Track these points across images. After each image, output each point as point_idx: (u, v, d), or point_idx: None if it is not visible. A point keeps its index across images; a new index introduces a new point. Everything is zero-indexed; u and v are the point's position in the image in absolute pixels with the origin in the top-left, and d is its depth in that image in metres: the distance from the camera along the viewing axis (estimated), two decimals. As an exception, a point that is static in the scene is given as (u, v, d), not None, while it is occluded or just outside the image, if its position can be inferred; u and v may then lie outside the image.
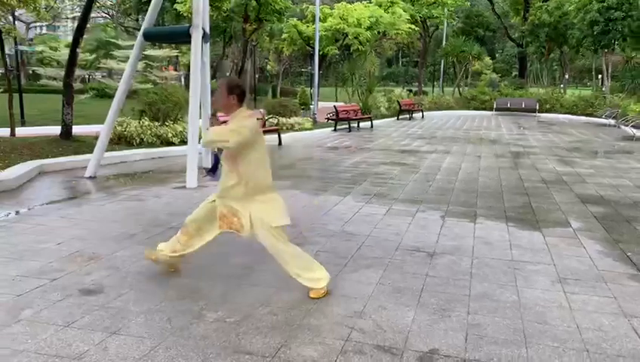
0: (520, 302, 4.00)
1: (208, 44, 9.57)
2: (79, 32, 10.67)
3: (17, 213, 6.47)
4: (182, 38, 9.24)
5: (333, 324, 3.57)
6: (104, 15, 47.17)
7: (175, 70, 35.04)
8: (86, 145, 10.80)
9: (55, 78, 21.55)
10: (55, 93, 22.28)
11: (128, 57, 20.64)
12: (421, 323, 3.61)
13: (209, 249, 5.02)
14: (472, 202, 7.48)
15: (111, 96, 25.47)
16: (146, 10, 31.58)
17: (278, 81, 36.85)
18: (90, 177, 8.72)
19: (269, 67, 52.95)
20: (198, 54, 8.64)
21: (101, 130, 9.18)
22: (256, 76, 35.34)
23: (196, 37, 8.59)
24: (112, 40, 24.63)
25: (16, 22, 20.49)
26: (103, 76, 40.44)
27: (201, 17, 8.86)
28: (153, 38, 9.53)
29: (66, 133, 11.04)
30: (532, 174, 9.98)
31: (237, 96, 3.87)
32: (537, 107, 29.57)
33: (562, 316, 3.77)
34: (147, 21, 9.04)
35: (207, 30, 9.27)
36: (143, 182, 8.59)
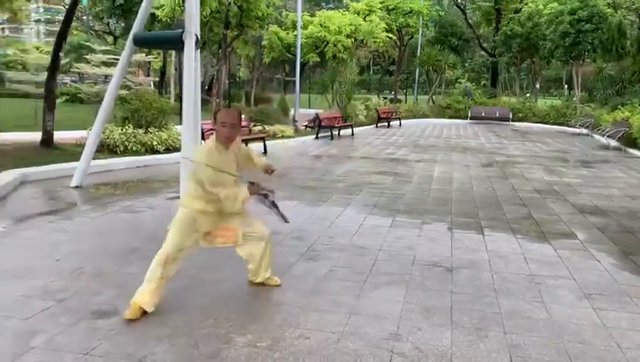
0: (552, 319, 3.91)
1: (199, 50, 9.32)
2: (62, 36, 10.26)
3: (5, 227, 6.11)
4: (174, 44, 8.97)
5: (372, 347, 3.41)
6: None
7: (147, 75, 34.31)
8: (68, 152, 10.39)
9: (21, 82, 20.78)
10: (24, 98, 21.51)
11: (103, 62, 20.18)
12: (461, 345, 3.48)
13: (214, 265, 4.80)
14: (473, 213, 7.43)
15: (83, 101, 24.80)
16: (119, 14, 30.41)
17: (252, 87, 36.55)
18: (76, 187, 8.35)
19: (240, 73, 52.43)
20: (192, 60, 8.40)
21: (88, 138, 8.82)
22: (230, 82, 34.94)
23: (189, 43, 8.35)
24: (87, 43, 23.90)
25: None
26: (72, 81, 39.28)
27: (193, 22, 8.63)
28: (143, 43, 9.21)
29: (47, 140, 10.60)
30: (523, 184, 10.02)
31: None
32: (511, 116, 30.03)
33: (599, 334, 3.70)
34: (137, 25, 8.73)
35: (199, 36, 9.03)
36: (133, 192, 8.27)
